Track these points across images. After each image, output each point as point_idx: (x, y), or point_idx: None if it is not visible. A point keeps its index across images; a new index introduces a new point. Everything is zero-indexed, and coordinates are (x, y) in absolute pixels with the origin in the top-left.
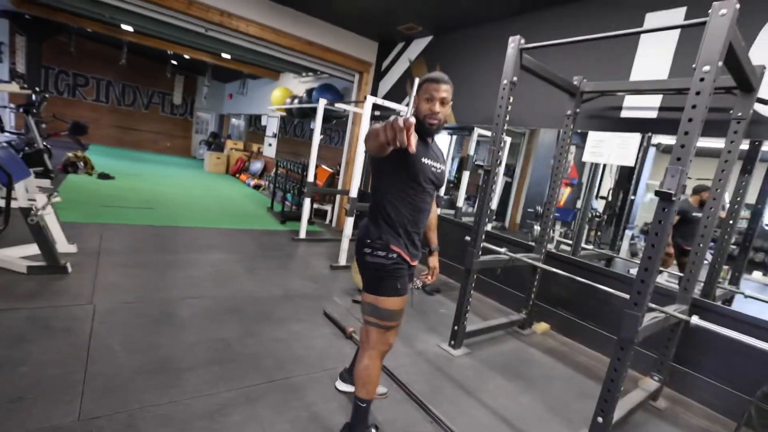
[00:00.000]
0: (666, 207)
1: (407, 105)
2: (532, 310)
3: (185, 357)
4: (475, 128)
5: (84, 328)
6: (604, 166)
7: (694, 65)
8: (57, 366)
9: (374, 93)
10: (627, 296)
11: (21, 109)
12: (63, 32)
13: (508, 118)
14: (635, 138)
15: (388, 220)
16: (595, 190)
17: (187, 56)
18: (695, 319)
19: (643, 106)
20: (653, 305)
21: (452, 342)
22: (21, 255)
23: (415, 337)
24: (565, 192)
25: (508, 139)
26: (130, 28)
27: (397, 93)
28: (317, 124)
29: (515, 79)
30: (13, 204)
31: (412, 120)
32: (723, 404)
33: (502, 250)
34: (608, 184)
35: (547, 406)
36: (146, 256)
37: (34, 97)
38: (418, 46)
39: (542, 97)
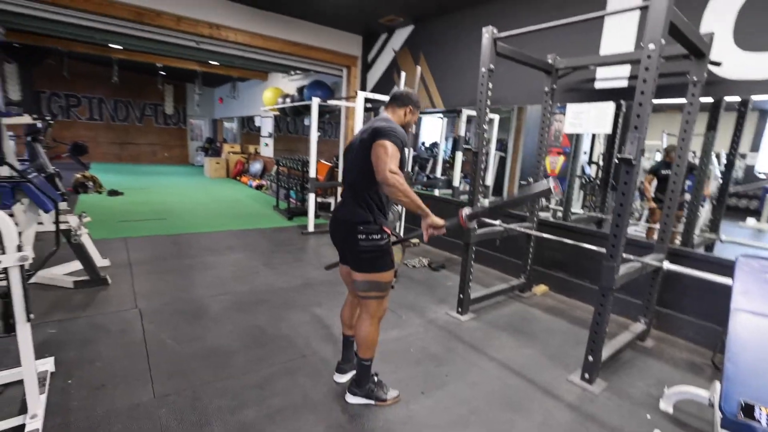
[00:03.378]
0: (628, 170)
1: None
2: (530, 274)
3: (228, 343)
4: (463, 110)
5: (136, 328)
6: (594, 134)
7: (642, 43)
8: (124, 359)
9: (363, 85)
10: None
11: (30, 138)
12: (52, 56)
13: (489, 101)
14: (610, 107)
15: (378, 203)
16: (585, 157)
17: (177, 66)
18: (667, 264)
19: (614, 76)
20: (630, 256)
21: (459, 309)
22: (64, 272)
23: (427, 308)
24: (559, 161)
25: (496, 117)
26: (119, 47)
27: (386, 83)
28: (313, 122)
29: (492, 66)
30: (48, 227)
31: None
32: (702, 338)
33: (497, 222)
34: (599, 150)
35: (548, 355)
36: (170, 262)
37: (39, 124)
38: (401, 36)
39: (521, 77)
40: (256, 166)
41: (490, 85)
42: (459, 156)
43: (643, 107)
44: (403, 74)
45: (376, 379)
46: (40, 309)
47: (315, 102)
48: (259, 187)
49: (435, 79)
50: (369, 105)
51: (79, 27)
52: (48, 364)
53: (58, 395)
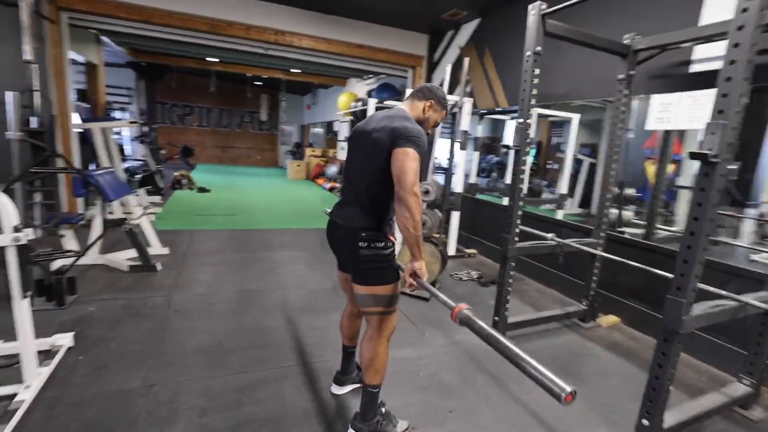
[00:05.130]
0: (708, 171)
1: (459, 94)
2: (594, 300)
3: (234, 340)
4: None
5: (162, 315)
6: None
7: None
8: (137, 343)
9: None
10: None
11: (139, 140)
12: (168, 72)
13: (535, 92)
14: (710, 96)
15: (384, 210)
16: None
17: (264, 76)
18: None
19: (719, 55)
20: (723, 291)
21: None
22: (126, 257)
23: (456, 327)
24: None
25: (575, 116)
26: (215, 59)
27: (451, 83)
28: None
29: (539, 49)
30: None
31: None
32: None
33: (549, 235)
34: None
35: (593, 405)
36: (223, 255)
37: (145, 129)
38: (467, 31)
39: (587, 65)
40: (333, 169)
41: (536, 72)
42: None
43: (732, 83)
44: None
45: (383, 410)
46: (94, 288)
47: (371, 102)
48: (331, 189)
49: (499, 75)
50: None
51: (176, 43)
52: (67, 339)
53: (65, 370)
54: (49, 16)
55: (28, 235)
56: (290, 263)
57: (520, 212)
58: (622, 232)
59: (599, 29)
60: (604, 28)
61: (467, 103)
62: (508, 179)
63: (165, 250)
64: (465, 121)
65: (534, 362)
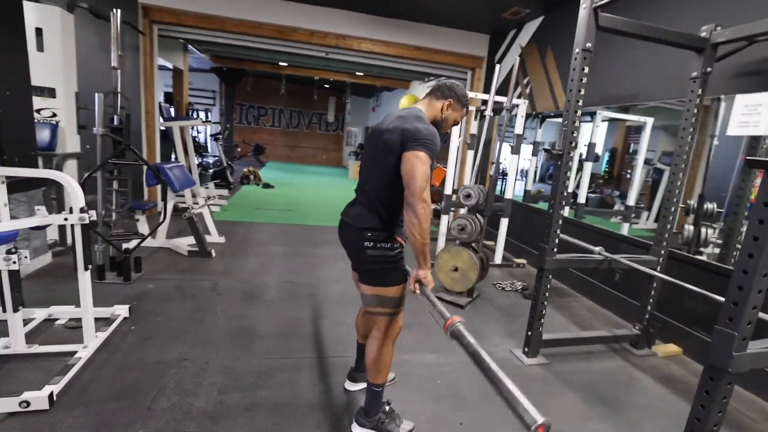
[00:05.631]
0: None
1: (518, 97)
2: (649, 325)
3: (263, 327)
4: (598, 112)
5: (206, 297)
6: None
7: None
8: (179, 321)
9: (487, 88)
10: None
11: (213, 138)
12: (245, 76)
13: (583, 92)
14: None
15: (393, 211)
16: None
17: (331, 79)
18: None
19: None
20: None
21: (526, 349)
22: (188, 244)
23: (489, 339)
24: None
25: (648, 120)
26: (285, 63)
27: (508, 84)
28: None
29: (589, 45)
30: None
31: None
32: None
33: (597, 248)
34: None
35: None
36: (272, 248)
37: (219, 128)
38: (529, 30)
39: (660, 62)
40: None
41: (585, 70)
42: (587, 167)
43: None
44: (517, 61)
45: (387, 408)
46: (156, 268)
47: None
48: None
49: (561, 76)
50: (483, 107)
51: (249, 48)
52: (124, 310)
53: (118, 337)
54: (143, 29)
55: (92, 216)
56: (332, 260)
57: (559, 220)
58: (700, 253)
59: (676, 23)
60: (683, 21)
61: (521, 105)
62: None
63: (222, 239)
64: (519, 124)
65: (512, 386)
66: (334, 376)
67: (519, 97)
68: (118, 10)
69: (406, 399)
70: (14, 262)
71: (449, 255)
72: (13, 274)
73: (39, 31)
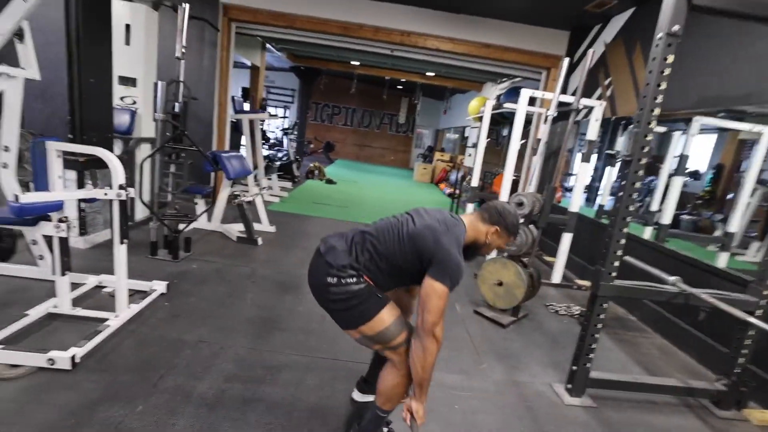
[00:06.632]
0: None
1: (598, 98)
2: (741, 381)
3: (286, 320)
4: (694, 118)
5: (240, 283)
6: None
7: None
8: (208, 303)
9: (564, 89)
10: None
11: (283, 133)
12: (319, 75)
13: (664, 86)
14: None
15: (377, 271)
16: None
17: (402, 79)
18: None
19: None
20: None
21: (569, 385)
22: (238, 230)
23: (526, 367)
24: None
25: (766, 129)
26: (357, 63)
27: (588, 85)
28: (483, 129)
29: (676, 28)
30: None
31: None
32: None
33: (672, 278)
34: None
35: None
36: (318, 242)
37: (288, 123)
38: (616, 24)
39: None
40: (455, 175)
41: (669, 60)
42: (677, 183)
43: None
44: (589, 53)
45: (386, 429)
46: (205, 249)
47: (488, 105)
48: (450, 195)
49: None
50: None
51: (318, 46)
52: (162, 286)
53: (149, 311)
54: (222, 26)
55: (129, 193)
56: None
57: (622, 239)
58: None
59: None
60: None
61: (597, 108)
62: (655, 204)
63: (272, 228)
64: (593, 130)
65: None
66: (344, 382)
67: (599, 98)
68: (187, 5)
69: None
70: (63, 231)
71: (495, 267)
72: (63, 241)
73: (128, 27)
